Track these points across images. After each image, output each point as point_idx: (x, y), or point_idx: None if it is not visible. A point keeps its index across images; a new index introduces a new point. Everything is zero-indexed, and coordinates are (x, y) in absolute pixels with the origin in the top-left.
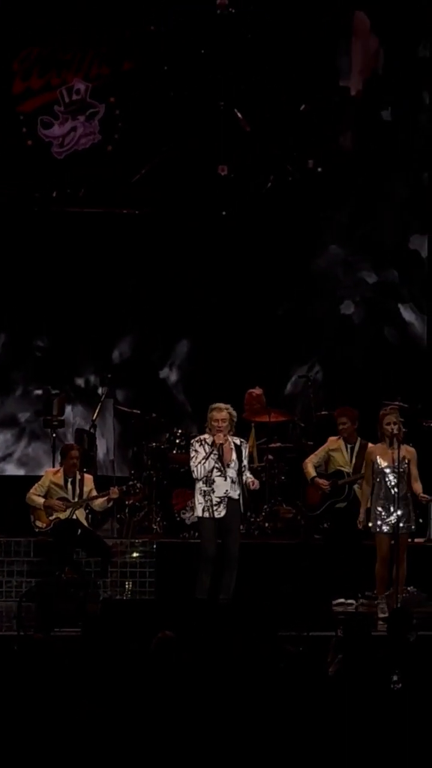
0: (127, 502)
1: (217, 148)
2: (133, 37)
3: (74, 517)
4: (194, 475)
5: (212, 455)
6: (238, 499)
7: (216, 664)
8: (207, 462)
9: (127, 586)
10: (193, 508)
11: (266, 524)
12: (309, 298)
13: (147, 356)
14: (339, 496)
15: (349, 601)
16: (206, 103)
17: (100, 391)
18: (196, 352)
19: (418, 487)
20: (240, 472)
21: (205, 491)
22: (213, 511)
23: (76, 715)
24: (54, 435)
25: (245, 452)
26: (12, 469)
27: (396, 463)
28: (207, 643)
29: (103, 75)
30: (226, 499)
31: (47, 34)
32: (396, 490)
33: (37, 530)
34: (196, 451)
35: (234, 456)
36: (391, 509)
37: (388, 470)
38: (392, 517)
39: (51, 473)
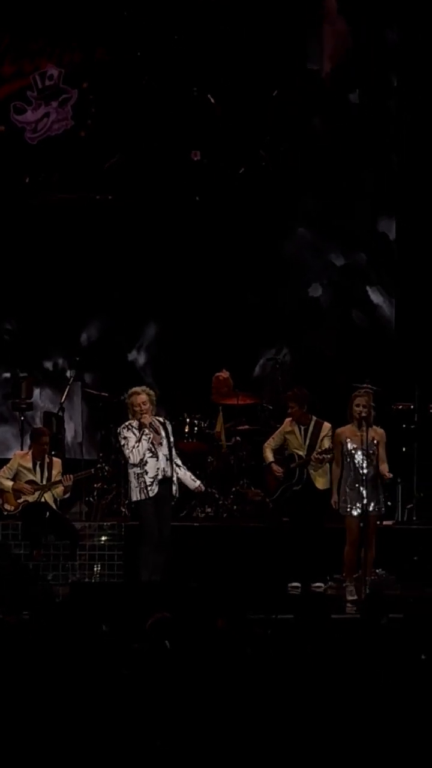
0: (95, 485)
1: (190, 134)
2: (106, 24)
3: (43, 500)
4: (131, 460)
5: (144, 437)
6: (171, 478)
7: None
8: (141, 444)
9: (95, 569)
10: None
11: (234, 507)
12: (277, 281)
13: (115, 339)
14: (292, 480)
15: (318, 583)
16: (179, 89)
17: (68, 374)
18: (165, 334)
19: (384, 467)
20: (170, 449)
21: (138, 474)
22: (147, 491)
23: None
24: (22, 418)
25: (170, 429)
26: None
27: (365, 445)
28: (182, 625)
29: (76, 61)
30: (158, 478)
31: (19, 21)
32: (365, 471)
33: (5, 513)
34: (125, 437)
35: (162, 433)
36: (361, 491)
37: (357, 452)
38: (362, 500)
39: (19, 456)
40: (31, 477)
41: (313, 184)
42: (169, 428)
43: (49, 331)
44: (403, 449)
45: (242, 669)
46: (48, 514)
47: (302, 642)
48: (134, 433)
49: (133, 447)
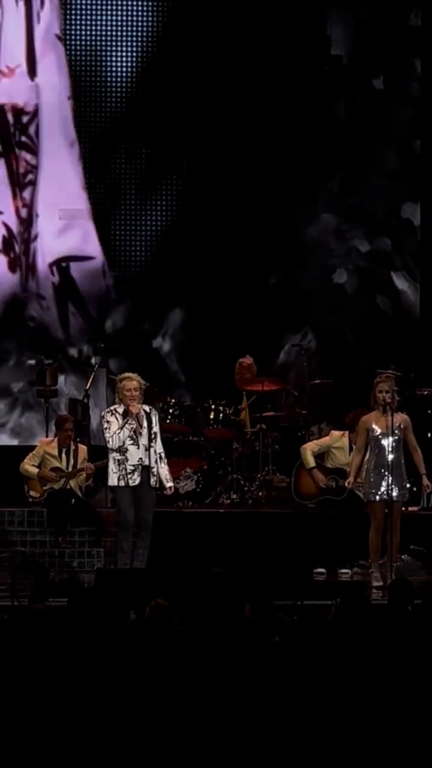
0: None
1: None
2: None
3: (68, 487)
4: (109, 445)
5: (127, 425)
6: (149, 467)
7: (211, 633)
8: (122, 432)
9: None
10: (188, 477)
11: (260, 493)
12: (301, 267)
13: (140, 326)
14: (337, 496)
15: (344, 570)
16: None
17: (93, 360)
18: (189, 321)
19: (418, 456)
20: (150, 439)
21: (119, 460)
22: (128, 479)
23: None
24: (47, 405)
25: (155, 419)
26: (5, 439)
27: (390, 431)
28: (202, 613)
29: None
30: (140, 467)
31: None
32: (390, 457)
33: (30, 500)
34: (108, 422)
35: (145, 423)
36: (386, 477)
37: (382, 437)
38: (386, 485)
39: (45, 443)
40: (56, 464)
41: (337, 169)
42: (155, 418)
43: (73, 317)
44: (429, 435)
45: (268, 656)
46: (73, 501)
47: (339, 629)
48: (117, 419)
49: (114, 433)
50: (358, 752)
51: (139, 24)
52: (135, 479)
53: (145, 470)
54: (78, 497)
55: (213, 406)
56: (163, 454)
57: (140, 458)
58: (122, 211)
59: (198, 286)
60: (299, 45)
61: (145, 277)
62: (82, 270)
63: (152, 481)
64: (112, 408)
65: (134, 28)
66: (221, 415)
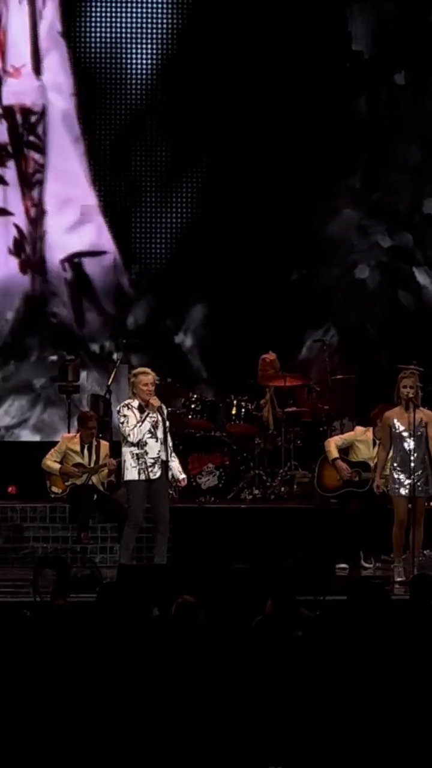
0: None
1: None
2: None
3: (90, 482)
4: (130, 439)
5: (148, 418)
6: (166, 461)
7: (233, 629)
8: (142, 425)
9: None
10: (210, 473)
11: (282, 489)
12: (323, 263)
13: (162, 322)
14: (360, 488)
15: (367, 564)
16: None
17: (115, 356)
18: (211, 317)
19: None
20: (165, 433)
21: (138, 454)
22: (149, 472)
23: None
24: (69, 401)
25: (166, 413)
26: (27, 435)
27: (413, 427)
28: (224, 608)
29: None
30: (159, 461)
31: None
32: (413, 453)
33: (53, 496)
34: (125, 416)
35: (159, 418)
36: (409, 472)
37: (405, 433)
38: (409, 481)
39: (67, 439)
40: (78, 460)
41: (358, 165)
42: (164, 411)
43: (95, 313)
44: None
45: (292, 651)
46: (95, 496)
47: (357, 625)
48: (134, 413)
49: (134, 426)
50: (379, 746)
51: (159, 20)
52: (156, 472)
53: (164, 464)
54: (100, 493)
55: (235, 402)
56: (171, 448)
57: (159, 451)
58: (142, 207)
59: (220, 282)
60: (320, 41)
61: (167, 273)
62: (95, 265)
63: (169, 474)
64: (127, 402)
65: (153, 24)
66: (243, 410)
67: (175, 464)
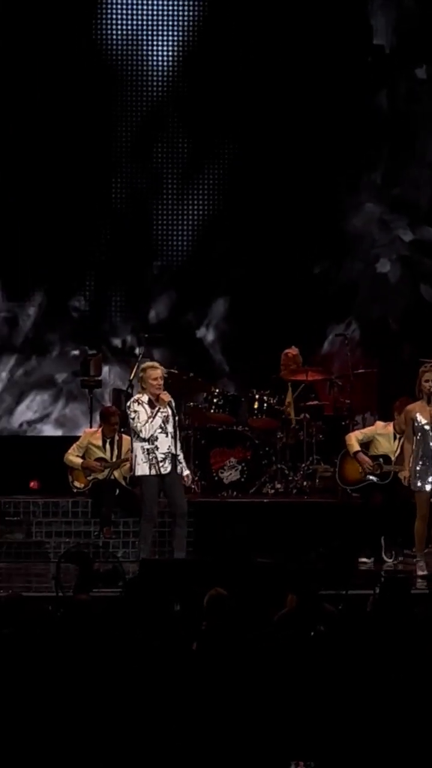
0: None
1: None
2: None
3: (112, 477)
4: (142, 435)
5: (159, 413)
6: (177, 455)
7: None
8: (153, 421)
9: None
10: (232, 467)
11: (304, 483)
12: (345, 258)
13: (184, 316)
14: (382, 480)
15: (387, 558)
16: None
17: (137, 350)
18: (233, 311)
19: None
20: (175, 427)
21: (148, 449)
22: (159, 467)
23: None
24: (91, 395)
25: (173, 407)
26: (50, 430)
27: None
28: (247, 603)
29: None
30: (170, 456)
31: None
32: None
33: (75, 490)
34: (135, 411)
35: (170, 412)
36: (431, 466)
37: (427, 427)
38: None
39: (89, 434)
40: (100, 454)
41: (380, 159)
42: (173, 405)
43: (117, 308)
44: None
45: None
46: (117, 491)
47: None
48: (144, 408)
49: (146, 422)
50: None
51: (180, 12)
52: (166, 467)
53: (174, 458)
54: (122, 487)
55: (257, 396)
56: (179, 445)
57: (169, 446)
58: (164, 201)
59: (242, 276)
60: (341, 35)
61: (189, 268)
62: None
63: (179, 467)
64: (136, 397)
65: (175, 16)
66: (265, 404)
67: (181, 458)
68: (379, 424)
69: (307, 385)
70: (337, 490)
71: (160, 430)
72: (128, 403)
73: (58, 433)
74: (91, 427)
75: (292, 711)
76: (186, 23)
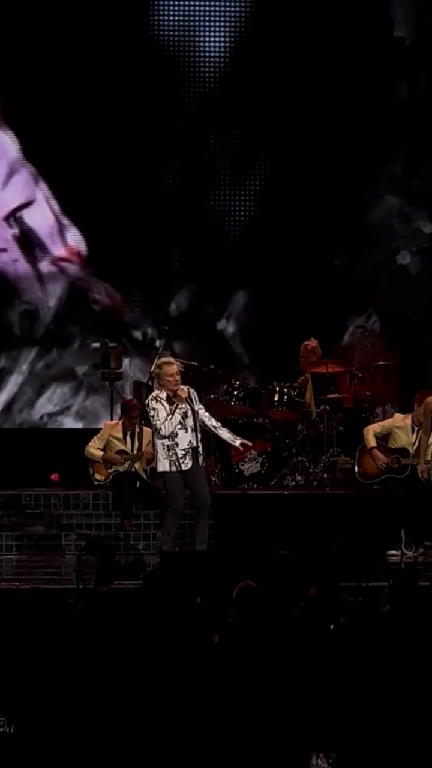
0: None
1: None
2: None
3: (133, 469)
4: (162, 432)
5: (178, 409)
6: (197, 448)
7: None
8: (173, 418)
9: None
10: (253, 460)
11: (325, 475)
12: (365, 249)
13: (204, 308)
14: (400, 474)
15: (407, 551)
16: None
17: (157, 343)
18: (254, 303)
19: None
20: (195, 419)
21: (168, 446)
22: (180, 464)
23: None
24: (112, 388)
25: (195, 397)
26: (70, 422)
27: None
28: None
29: None
30: (190, 450)
31: None
32: None
33: (96, 483)
34: (154, 409)
35: (189, 406)
36: None
37: None
38: None
39: (110, 426)
40: (121, 447)
41: (400, 151)
42: (194, 396)
43: (137, 300)
44: None
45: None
46: (138, 483)
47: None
48: (163, 405)
49: (165, 419)
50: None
51: (232, 3)
52: (187, 463)
53: (195, 452)
54: (143, 480)
55: (277, 388)
56: (214, 422)
57: (189, 441)
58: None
59: (262, 268)
60: (362, 27)
61: (209, 260)
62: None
63: (200, 459)
64: (155, 395)
65: (227, 8)
66: (285, 397)
67: (225, 434)
68: (398, 416)
69: (327, 378)
70: (357, 482)
71: (179, 426)
72: (146, 401)
73: (79, 425)
74: (111, 419)
75: (313, 703)
76: (236, 15)
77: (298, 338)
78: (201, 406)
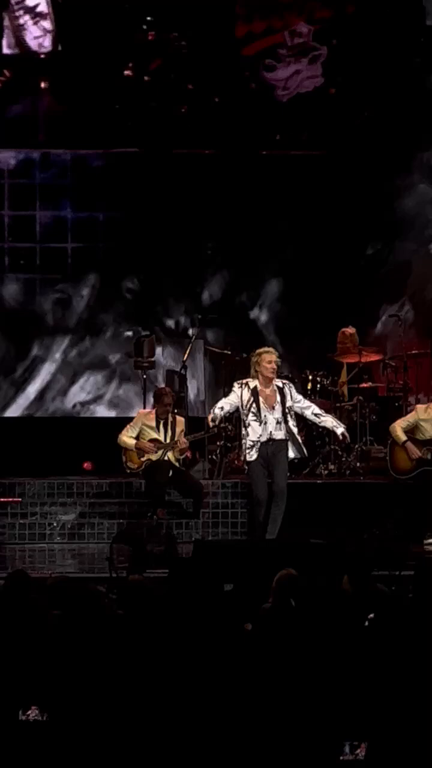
0: (218, 443)
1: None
2: None
3: (166, 458)
4: (212, 416)
5: (255, 403)
6: (285, 439)
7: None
8: (247, 407)
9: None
10: None
11: (358, 464)
12: (398, 238)
13: (237, 297)
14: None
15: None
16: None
17: (190, 332)
18: (287, 292)
19: None
20: (285, 413)
21: (243, 435)
22: (246, 454)
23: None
24: (144, 376)
25: (290, 392)
26: (103, 411)
27: None
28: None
29: (326, 17)
30: (258, 444)
31: None
32: None
33: (128, 471)
34: (234, 392)
35: (278, 399)
36: None
37: None
38: None
39: (143, 415)
40: (154, 435)
41: None
42: (289, 390)
43: (171, 289)
44: None
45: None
46: (171, 472)
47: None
48: (242, 393)
49: (240, 407)
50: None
51: None
52: (252, 455)
53: (276, 443)
54: (176, 468)
55: (311, 377)
56: (317, 410)
57: (260, 435)
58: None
59: (295, 257)
60: (394, 16)
61: (242, 248)
62: None
63: (291, 451)
64: (243, 381)
65: None
66: (319, 385)
67: (327, 421)
68: (419, 407)
69: (361, 367)
70: (389, 476)
71: (254, 418)
72: (233, 384)
73: (112, 414)
74: (144, 408)
75: (346, 691)
76: None
77: (331, 327)
78: (299, 398)
